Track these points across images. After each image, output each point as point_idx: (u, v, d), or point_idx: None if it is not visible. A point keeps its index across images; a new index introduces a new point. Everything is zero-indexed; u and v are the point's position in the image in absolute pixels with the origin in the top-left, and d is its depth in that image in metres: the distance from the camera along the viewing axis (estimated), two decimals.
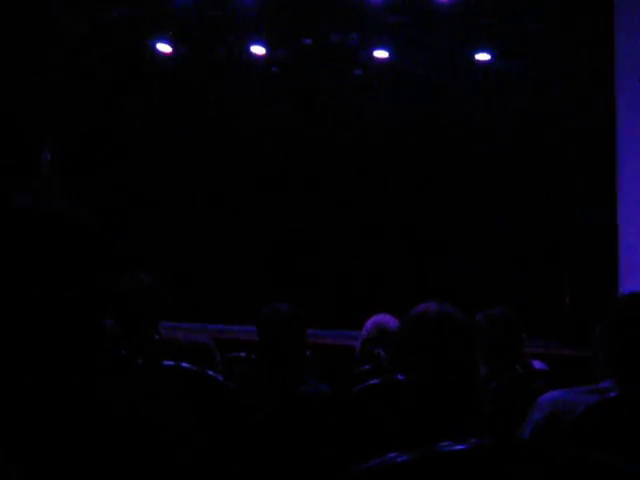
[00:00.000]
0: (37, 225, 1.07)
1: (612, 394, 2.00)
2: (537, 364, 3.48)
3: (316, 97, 12.53)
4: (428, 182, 12.70)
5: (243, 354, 3.02)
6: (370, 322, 3.39)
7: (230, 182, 12.93)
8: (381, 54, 11.67)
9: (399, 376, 2.10)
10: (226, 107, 13.11)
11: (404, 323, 2.32)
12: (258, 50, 11.79)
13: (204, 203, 12.97)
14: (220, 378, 2.17)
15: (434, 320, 2.26)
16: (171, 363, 2.17)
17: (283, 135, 13.15)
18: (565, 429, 1.95)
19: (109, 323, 2.81)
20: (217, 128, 13.16)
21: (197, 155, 13.16)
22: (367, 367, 3.07)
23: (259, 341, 3.26)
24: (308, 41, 11.52)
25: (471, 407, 2.11)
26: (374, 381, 2.04)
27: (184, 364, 2.15)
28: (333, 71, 12.12)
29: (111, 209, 12.34)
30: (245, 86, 12.73)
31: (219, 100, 13.14)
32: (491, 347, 3.26)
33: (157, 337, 3.32)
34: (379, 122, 12.89)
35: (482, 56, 11.59)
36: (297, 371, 3.31)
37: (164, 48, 11.91)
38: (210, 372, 2.16)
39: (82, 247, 1.10)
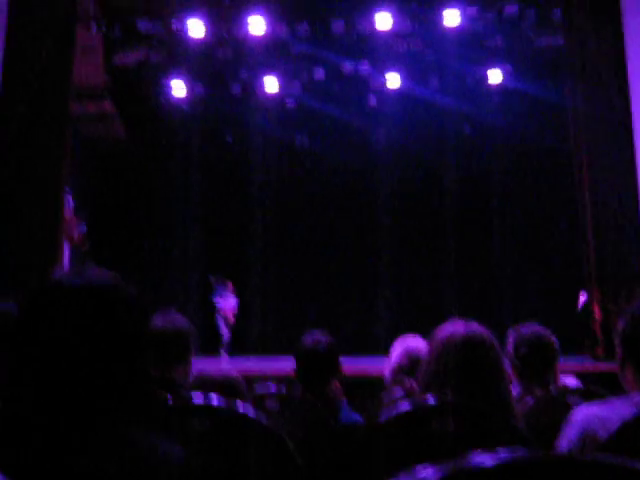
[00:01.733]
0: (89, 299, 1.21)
1: None
2: (570, 381, 3.43)
3: (332, 128, 12.61)
4: (446, 203, 12.67)
5: (273, 389, 3.02)
6: (399, 347, 3.29)
7: (246, 217, 13.00)
8: (393, 82, 11.76)
9: (431, 400, 2.08)
10: (243, 142, 13.22)
11: (432, 346, 2.30)
12: (272, 85, 11.93)
13: (219, 239, 13.05)
14: (252, 414, 2.17)
15: (462, 342, 2.24)
16: (200, 400, 2.18)
17: (300, 166, 13.23)
18: (602, 445, 1.92)
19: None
20: (235, 164, 13.26)
21: (214, 190, 13.25)
22: (399, 395, 3.04)
23: (300, 371, 3.25)
24: (320, 73, 11.65)
25: (506, 427, 2.09)
26: (405, 406, 2.02)
27: (214, 401, 2.15)
28: (347, 101, 12.21)
29: (131, 247, 12.45)
30: (261, 121, 12.86)
31: (236, 136, 13.26)
32: (523, 365, 3.22)
33: (188, 374, 3.33)
34: (394, 150, 12.91)
35: (495, 76, 11.64)
36: (337, 400, 3.31)
37: (179, 91, 12.09)
38: (241, 408, 2.16)
39: (130, 314, 1.25)
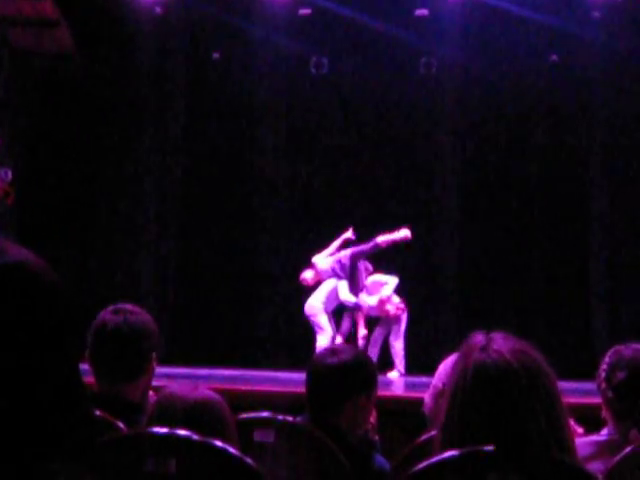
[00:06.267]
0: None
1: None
2: None
3: (363, 45, 12.57)
4: (521, 162, 12.66)
5: (265, 414, 3.01)
6: (446, 365, 3.23)
7: (239, 166, 13.04)
8: None
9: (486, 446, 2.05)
10: (236, 62, 13.19)
11: (451, 368, 2.21)
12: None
13: (198, 192, 13.10)
14: (233, 450, 2.16)
15: (473, 376, 2.11)
16: (164, 430, 2.17)
17: (317, 97, 13.17)
18: None
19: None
20: (223, 90, 13.24)
21: (193, 126, 13.26)
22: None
23: (307, 393, 3.19)
24: None
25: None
26: (451, 454, 1.99)
27: (181, 431, 2.14)
28: (385, 8, 12.17)
29: (76, 203, 12.52)
30: (263, 33, 12.80)
31: (226, 54, 13.25)
32: (618, 396, 3.21)
33: (149, 392, 3.32)
34: (450, 79, 12.91)
35: None
36: (368, 436, 3.29)
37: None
38: (219, 443, 2.15)
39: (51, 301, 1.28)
